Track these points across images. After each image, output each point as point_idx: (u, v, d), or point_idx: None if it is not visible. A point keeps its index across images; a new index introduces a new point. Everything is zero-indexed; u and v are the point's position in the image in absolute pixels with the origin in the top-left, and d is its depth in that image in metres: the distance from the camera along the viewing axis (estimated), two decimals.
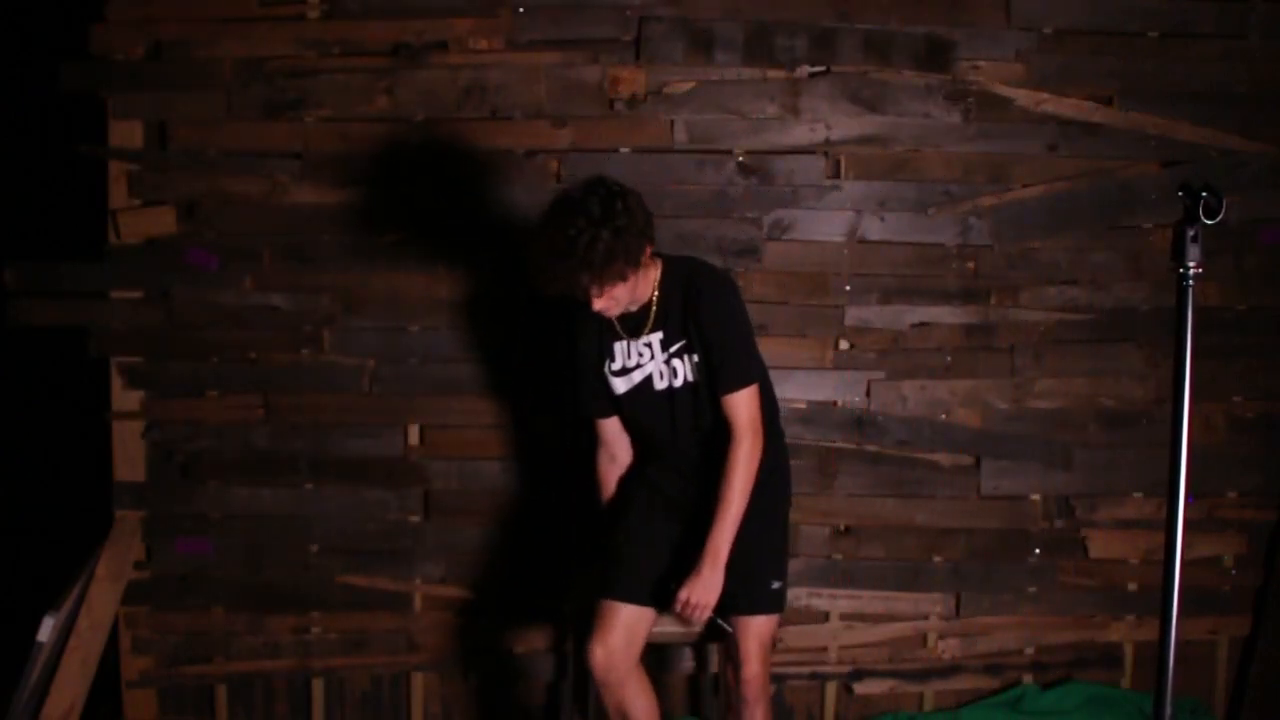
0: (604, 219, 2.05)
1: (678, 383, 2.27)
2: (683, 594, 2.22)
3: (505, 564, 2.95)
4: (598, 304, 2.13)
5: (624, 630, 2.22)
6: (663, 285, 2.25)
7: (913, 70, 2.85)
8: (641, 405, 2.33)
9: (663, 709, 2.62)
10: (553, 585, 2.87)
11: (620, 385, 2.32)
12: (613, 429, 2.42)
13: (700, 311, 2.20)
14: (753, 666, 2.28)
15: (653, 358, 2.28)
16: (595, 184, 2.12)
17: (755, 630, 2.30)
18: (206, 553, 2.94)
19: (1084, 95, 2.87)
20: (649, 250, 2.17)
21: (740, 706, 2.31)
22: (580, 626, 2.37)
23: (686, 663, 2.91)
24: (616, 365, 2.32)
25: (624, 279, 2.11)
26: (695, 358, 2.25)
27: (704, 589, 2.21)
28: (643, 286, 2.21)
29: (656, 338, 2.26)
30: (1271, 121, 2.89)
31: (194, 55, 2.82)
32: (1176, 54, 2.89)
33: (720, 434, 2.25)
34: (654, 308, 2.25)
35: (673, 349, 2.25)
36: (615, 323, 2.29)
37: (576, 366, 2.39)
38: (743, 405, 2.21)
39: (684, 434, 2.32)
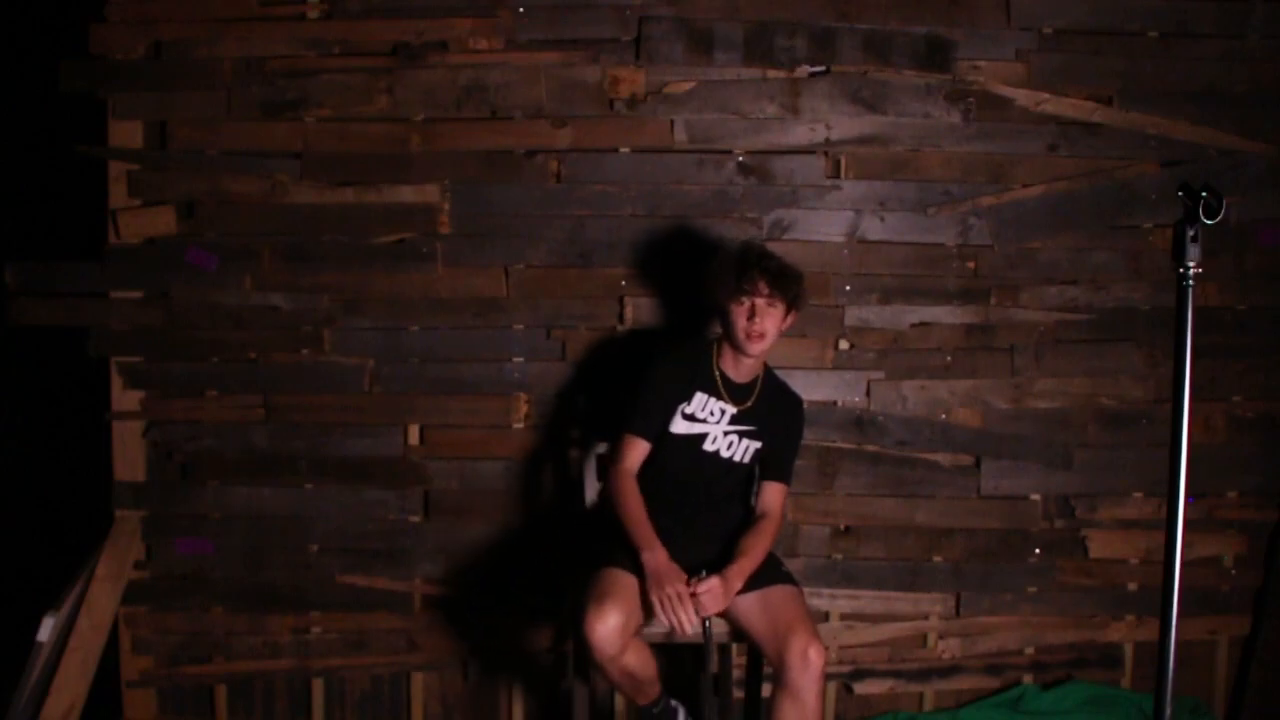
0: (782, 257, 2.46)
1: (725, 453, 2.51)
2: (699, 587, 2.24)
3: (505, 564, 2.95)
4: (758, 322, 2.38)
5: (623, 606, 2.22)
6: (766, 378, 2.56)
7: (913, 70, 2.85)
8: (684, 453, 2.50)
9: None
10: (553, 585, 2.87)
11: (680, 427, 2.50)
12: (640, 454, 2.50)
13: (788, 417, 2.57)
14: (801, 639, 2.23)
15: (719, 422, 2.50)
16: None
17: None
18: (207, 553, 2.94)
19: (1084, 95, 2.87)
20: (794, 316, 2.47)
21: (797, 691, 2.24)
22: (579, 599, 2.33)
23: (687, 663, 2.91)
24: (690, 410, 2.50)
25: (785, 299, 2.41)
26: (758, 446, 2.52)
27: (713, 598, 2.24)
28: (759, 362, 2.52)
29: (732, 410, 2.50)
30: (1271, 121, 2.89)
31: (194, 55, 2.83)
32: (1176, 54, 2.89)
33: (727, 507, 2.56)
34: (757, 389, 2.53)
35: (742, 427, 2.51)
36: (718, 378, 2.50)
37: (655, 389, 2.50)
38: (782, 494, 2.55)
39: (703, 490, 2.53)
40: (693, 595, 2.24)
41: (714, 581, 2.26)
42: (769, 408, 2.53)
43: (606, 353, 2.88)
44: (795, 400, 2.61)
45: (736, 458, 2.51)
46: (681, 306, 2.85)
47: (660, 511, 2.44)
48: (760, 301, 2.38)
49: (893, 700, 3.04)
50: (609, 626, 2.18)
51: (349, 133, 2.85)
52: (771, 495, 2.53)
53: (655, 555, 2.30)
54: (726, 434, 2.49)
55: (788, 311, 2.44)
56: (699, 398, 2.49)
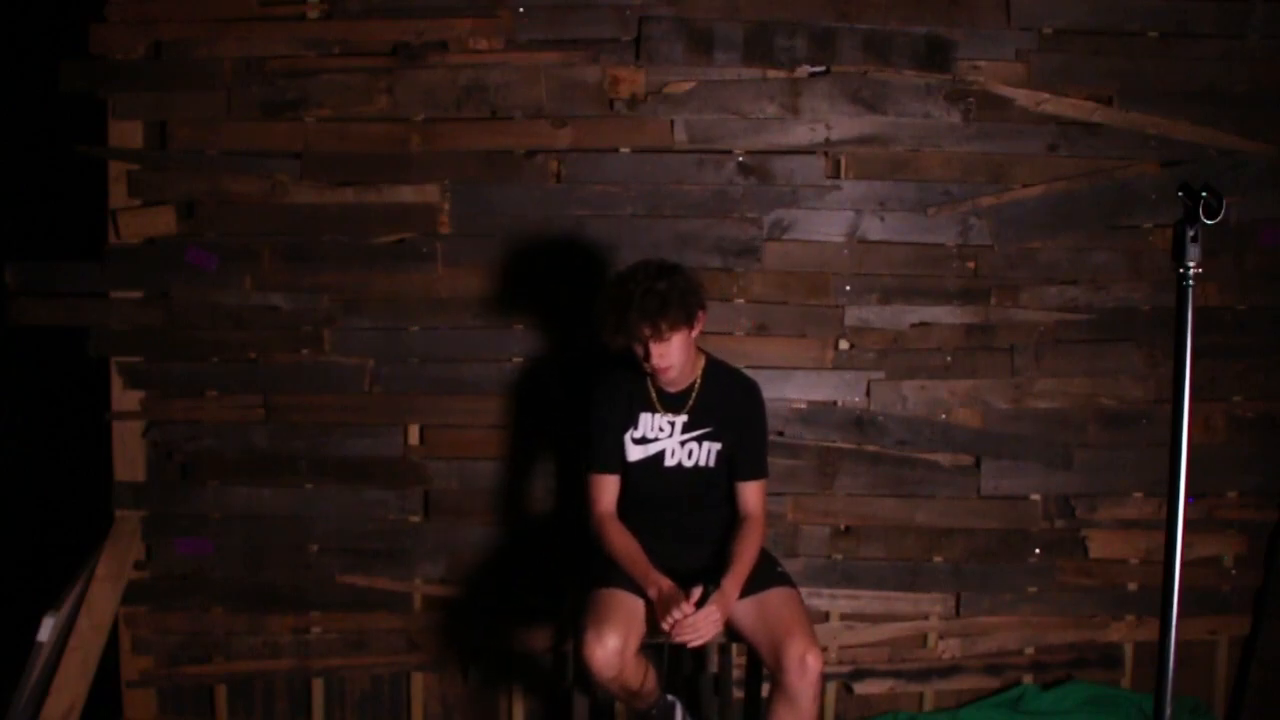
0: (659, 275, 2.30)
1: (689, 463, 2.46)
2: (690, 614, 2.21)
3: (505, 564, 2.95)
4: (656, 360, 2.30)
5: (621, 628, 2.22)
6: (706, 375, 2.46)
7: (913, 70, 2.85)
8: (649, 475, 2.47)
9: None
10: (553, 585, 2.87)
11: (636, 453, 2.46)
12: (611, 489, 2.48)
13: (743, 410, 2.47)
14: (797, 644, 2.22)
15: (670, 435, 2.45)
16: (650, 260, 2.39)
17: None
18: (207, 553, 2.94)
19: (1084, 95, 2.87)
20: (701, 319, 2.36)
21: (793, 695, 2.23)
22: (578, 621, 2.36)
23: (687, 663, 2.92)
24: (638, 434, 2.46)
25: (676, 328, 2.28)
26: (719, 446, 2.45)
27: (708, 624, 2.22)
28: (690, 367, 2.41)
29: (681, 420, 2.45)
30: (1271, 121, 2.89)
31: (194, 55, 2.83)
32: (1176, 54, 2.89)
33: (709, 512, 2.49)
34: (695, 392, 2.44)
35: (695, 433, 2.44)
36: (654, 394, 2.45)
37: (599, 423, 2.46)
38: (760, 491, 2.48)
39: (680, 506, 2.49)
40: (668, 629, 2.21)
41: (711, 610, 2.21)
42: (718, 402, 2.44)
43: (607, 353, 2.87)
44: (747, 385, 2.50)
45: (701, 464, 2.45)
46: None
47: (645, 533, 2.43)
48: (651, 343, 2.28)
49: (893, 700, 3.04)
50: (607, 650, 2.18)
51: (349, 133, 2.85)
52: (749, 495, 2.47)
53: (658, 589, 2.28)
54: (684, 444, 2.45)
55: (690, 328, 2.33)
56: (644, 419, 2.45)
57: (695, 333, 2.36)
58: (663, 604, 2.25)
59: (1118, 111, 2.87)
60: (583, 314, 2.87)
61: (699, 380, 2.45)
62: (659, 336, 2.27)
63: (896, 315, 2.91)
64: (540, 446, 2.93)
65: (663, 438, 2.45)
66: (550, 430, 2.91)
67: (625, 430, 2.45)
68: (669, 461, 2.46)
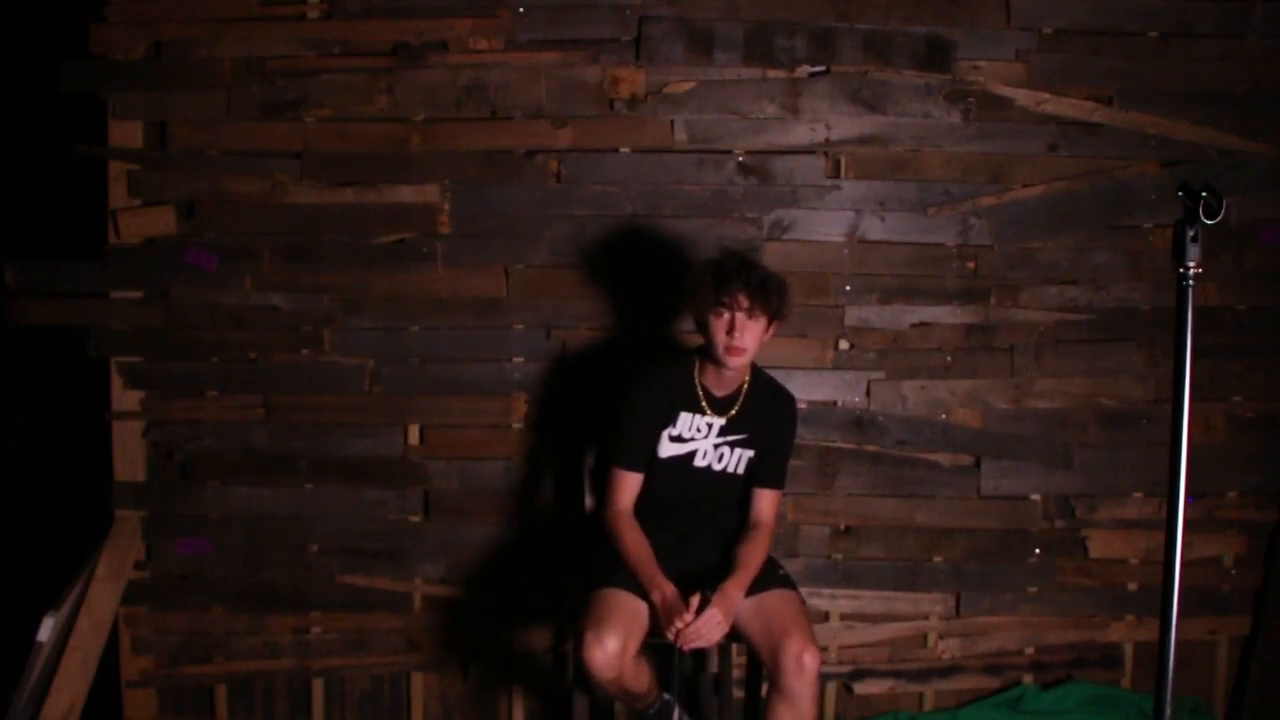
0: (756, 264, 2.38)
1: (717, 466, 2.47)
2: (692, 622, 2.20)
3: (505, 564, 2.95)
4: (737, 338, 2.30)
5: (621, 630, 2.21)
6: (753, 382, 2.47)
7: (913, 70, 2.85)
8: (675, 474, 2.47)
9: None
10: (553, 585, 2.87)
11: (668, 449, 2.46)
12: (632, 488, 2.47)
13: (779, 417, 2.49)
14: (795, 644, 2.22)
15: (706, 436, 2.45)
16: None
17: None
18: (207, 553, 2.94)
19: (1084, 95, 2.87)
20: (778, 326, 2.39)
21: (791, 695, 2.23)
22: (578, 622, 2.35)
23: (687, 663, 2.92)
24: (675, 431, 2.45)
25: (766, 313, 2.32)
26: (751, 454, 2.47)
27: (710, 627, 2.22)
28: (747, 368, 2.43)
29: (720, 422, 2.44)
30: (1271, 121, 2.89)
31: (194, 55, 2.83)
32: (1176, 54, 2.89)
33: (724, 515, 2.51)
34: (742, 396, 2.45)
35: (731, 438, 2.45)
36: (701, 394, 2.44)
37: (635, 419, 2.45)
38: (775, 501, 2.50)
39: (701, 508, 2.50)
40: (671, 636, 2.21)
41: (713, 613, 2.21)
42: (759, 411, 2.46)
43: (608, 353, 2.87)
44: (786, 398, 2.52)
45: (730, 469, 2.46)
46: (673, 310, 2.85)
47: (657, 528, 2.43)
48: (740, 315, 2.29)
49: (893, 700, 3.04)
50: (607, 653, 2.17)
51: (349, 133, 2.85)
52: (764, 503, 2.47)
53: (662, 595, 2.27)
54: (716, 447, 2.45)
55: (770, 323, 2.35)
56: (684, 418, 2.44)
57: (769, 334, 2.37)
58: (665, 612, 2.24)
59: (1118, 111, 2.87)
60: (583, 313, 2.89)
61: (746, 386, 2.46)
62: (753, 313, 2.30)
63: (896, 315, 2.91)
64: (541, 446, 2.93)
65: (699, 438, 2.44)
66: (551, 430, 2.91)
67: (663, 428, 2.44)
68: (699, 462, 2.45)
